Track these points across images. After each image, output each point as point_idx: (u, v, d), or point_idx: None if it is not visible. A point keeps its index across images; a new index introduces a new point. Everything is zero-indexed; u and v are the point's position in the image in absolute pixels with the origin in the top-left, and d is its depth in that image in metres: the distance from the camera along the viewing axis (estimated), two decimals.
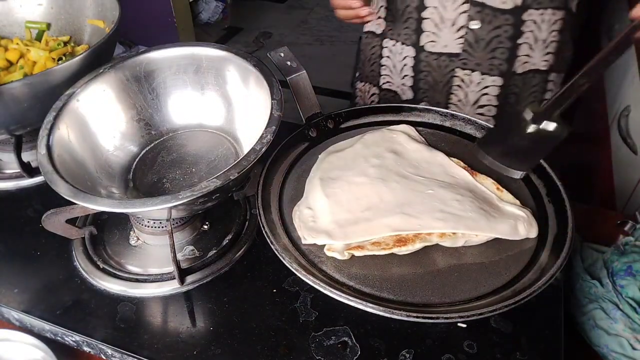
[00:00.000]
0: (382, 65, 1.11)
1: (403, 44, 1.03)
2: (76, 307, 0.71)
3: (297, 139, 0.83)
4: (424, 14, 0.96)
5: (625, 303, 0.70)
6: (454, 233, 0.68)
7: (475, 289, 0.64)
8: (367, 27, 1.12)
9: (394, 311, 0.58)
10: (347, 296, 0.60)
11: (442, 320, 0.59)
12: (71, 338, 0.69)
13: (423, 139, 0.85)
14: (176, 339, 0.66)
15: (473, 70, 0.99)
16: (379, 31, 1.08)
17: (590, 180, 1.50)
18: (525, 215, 0.70)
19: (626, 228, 0.84)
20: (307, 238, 0.69)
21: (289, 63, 0.85)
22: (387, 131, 0.85)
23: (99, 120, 0.80)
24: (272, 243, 0.66)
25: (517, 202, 0.74)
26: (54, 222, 0.71)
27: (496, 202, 0.73)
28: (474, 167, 0.79)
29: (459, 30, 0.95)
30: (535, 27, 0.94)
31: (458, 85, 1.02)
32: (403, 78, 1.07)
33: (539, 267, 0.65)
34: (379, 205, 0.71)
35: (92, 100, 0.79)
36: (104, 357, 0.68)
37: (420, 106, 0.89)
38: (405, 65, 1.05)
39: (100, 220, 0.82)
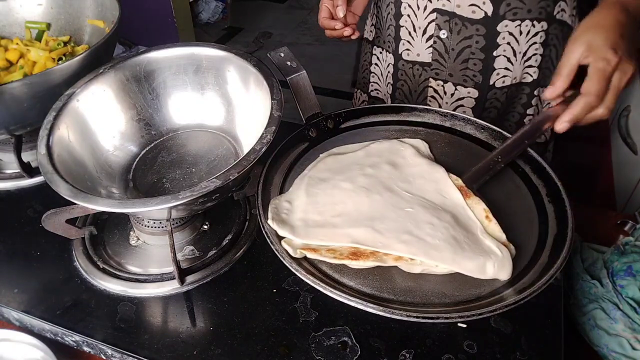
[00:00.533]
0: (372, 73, 1.12)
1: (386, 51, 1.04)
2: (76, 307, 0.71)
3: (297, 139, 0.83)
4: (400, 22, 0.97)
5: (625, 303, 0.70)
6: (411, 259, 0.65)
7: (475, 289, 0.64)
8: (365, 34, 1.13)
9: (394, 311, 0.58)
10: (347, 296, 0.60)
11: (442, 320, 0.59)
12: (71, 338, 0.69)
13: (431, 156, 0.82)
14: (176, 339, 0.66)
15: (445, 81, 0.98)
16: (370, 38, 1.09)
17: (590, 180, 1.50)
18: (500, 255, 0.64)
19: (626, 228, 0.84)
20: (272, 225, 0.68)
21: (289, 63, 0.85)
22: (397, 143, 0.82)
23: (99, 120, 0.80)
24: (272, 243, 0.66)
25: (503, 236, 0.68)
26: (54, 222, 0.71)
27: (477, 232, 0.68)
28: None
29: (429, 39, 0.95)
30: (512, 39, 0.91)
31: (432, 96, 1.01)
32: (387, 86, 1.08)
33: (539, 267, 0.65)
34: (351, 214, 0.69)
35: (92, 100, 0.79)
36: (104, 357, 0.68)
37: (420, 106, 0.89)
38: (388, 72, 1.06)
39: (100, 220, 0.82)
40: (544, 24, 0.91)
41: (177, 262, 0.70)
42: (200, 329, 0.68)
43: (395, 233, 0.66)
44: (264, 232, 0.68)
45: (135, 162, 0.83)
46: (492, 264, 0.64)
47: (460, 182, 0.75)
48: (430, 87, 1.00)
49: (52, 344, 0.70)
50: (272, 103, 0.72)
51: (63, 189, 0.63)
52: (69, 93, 0.77)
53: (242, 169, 0.64)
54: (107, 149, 0.81)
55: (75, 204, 0.63)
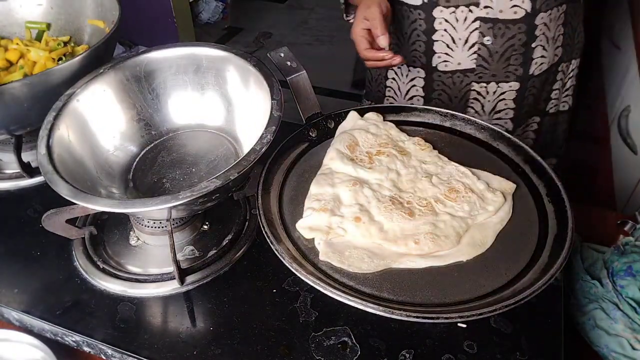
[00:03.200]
0: (387, 87, 1.11)
1: (410, 66, 1.04)
2: (76, 307, 0.71)
3: (297, 139, 0.83)
4: (434, 37, 0.97)
5: (625, 303, 0.70)
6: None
7: (475, 289, 0.64)
8: None
9: (394, 311, 0.58)
10: (347, 296, 0.60)
11: (442, 320, 0.59)
12: (71, 338, 0.69)
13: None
14: (176, 339, 0.66)
15: (489, 82, 1.00)
16: None
17: (590, 180, 1.50)
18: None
19: (626, 228, 0.84)
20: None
21: (289, 63, 0.85)
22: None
23: (99, 120, 0.80)
24: (272, 243, 0.66)
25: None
26: (54, 222, 0.71)
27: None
28: (474, 167, 0.79)
29: (471, 47, 0.96)
30: (546, 28, 0.95)
31: (475, 98, 1.03)
32: (410, 99, 1.08)
33: (539, 267, 0.65)
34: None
35: (92, 100, 0.79)
36: (104, 357, 0.68)
37: (420, 106, 0.89)
38: (413, 86, 1.06)
39: (100, 220, 0.82)
40: (564, 6, 0.97)
41: (177, 262, 0.70)
42: (200, 329, 0.68)
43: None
44: (264, 232, 0.68)
45: (135, 162, 0.83)
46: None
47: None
48: (473, 90, 1.02)
49: (52, 344, 0.70)
50: (272, 103, 0.72)
51: (63, 189, 0.63)
52: (69, 93, 0.77)
53: (242, 169, 0.64)
54: (107, 149, 0.81)
55: (75, 204, 0.63)
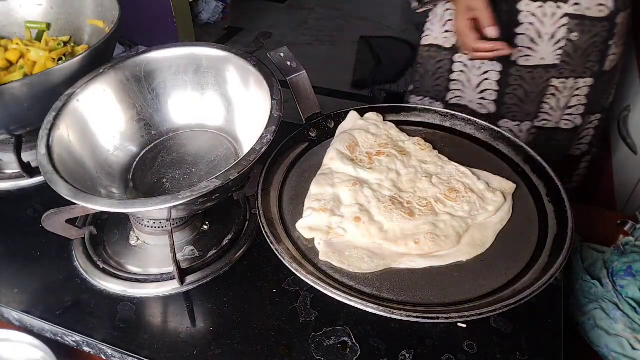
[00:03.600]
0: (452, 80, 1.10)
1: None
2: (76, 307, 0.71)
3: (297, 139, 0.83)
4: (518, 30, 0.97)
5: (625, 303, 0.70)
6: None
7: (475, 289, 0.64)
8: (428, 40, 1.11)
9: (394, 311, 0.58)
10: (347, 296, 0.60)
11: (442, 320, 0.59)
12: (71, 338, 0.69)
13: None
14: (176, 339, 0.66)
15: (568, 78, 1.01)
16: (447, 45, 1.08)
17: (590, 180, 1.50)
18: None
19: (626, 228, 0.84)
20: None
21: (289, 63, 0.85)
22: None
23: (99, 120, 0.80)
24: (272, 243, 0.66)
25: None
26: (54, 222, 0.71)
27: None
28: (474, 167, 0.79)
29: (557, 42, 0.97)
30: (622, 26, 0.98)
31: (552, 94, 1.03)
32: (481, 92, 1.07)
33: (539, 267, 0.65)
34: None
35: (92, 100, 0.79)
36: (104, 357, 0.68)
37: (420, 106, 0.89)
38: (485, 80, 1.05)
39: (100, 220, 0.82)
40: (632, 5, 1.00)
41: (177, 262, 0.70)
42: (200, 329, 0.68)
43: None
44: (264, 232, 0.68)
45: (135, 162, 0.83)
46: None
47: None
48: (552, 86, 1.02)
49: (52, 344, 0.70)
50: (272, 103, 0.72)
51: (63, 189, 0.63)
52: (69, 93, 0.77)
53: (242, 169, 0.64)
54: (107, 149, 0.81)
55: (75, 204, 0.63)
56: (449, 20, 1.05)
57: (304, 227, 0.70)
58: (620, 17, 0.97)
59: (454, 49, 1.07)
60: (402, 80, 2.67)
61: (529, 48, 0.99)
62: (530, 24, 0.96)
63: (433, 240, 0.68)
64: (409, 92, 1.24)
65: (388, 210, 0.71)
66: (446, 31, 1.07)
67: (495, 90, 1.06)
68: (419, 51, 1.15)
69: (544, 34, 0.97)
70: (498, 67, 1.03)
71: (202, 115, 0.87)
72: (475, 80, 1.07)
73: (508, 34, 0.98)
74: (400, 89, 2.62)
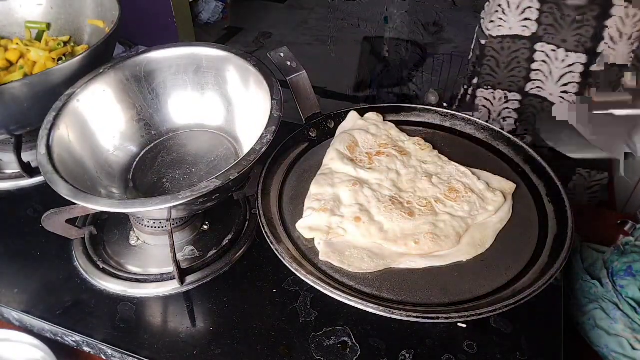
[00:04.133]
0: (533, 71, 1.08)
1: (569, 50, 1.01)
2: (76, 307, 0.71)
3: (297, 139, 0.83)
4: (608, 23, 0.96)
5: (625, 303, 0.70)
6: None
7: (475, 289, 0.64)
8: (502, 31, 1.10)
9: (394, 311, 0.58)
10: (347, 296, 0.60)
11: (442, 320, 0.59)
12: (71, 338, 0.69)
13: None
14: (176, 339, 0.66)
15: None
16: (527, 33, 1.06)
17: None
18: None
19: (626, 228, 0.84)
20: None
21: (289, 63, 0.85)
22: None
23: (99, 120, 0.80)
24: (272, 243, 0.66)
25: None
26: (54, 222, 0.71)
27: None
28: (474, 167, 0.79)
29: (633, 44, 0.96)
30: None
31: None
32: (564, 85, 1.05)
33: (539, 267, 0.65)
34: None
35: (92, 100, 0.79)
36: (104, 357, 0.68)
37: (420, 106, 0.89)
38: (569, 72, 1.03)
39: (100, 220, 0.82)
40: None
41: (177, 262, 0.70)
42: (200, 329, 0.67)
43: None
44: (264, 232, 0.68)
45: (135, 162, 0.83)
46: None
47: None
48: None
49: (52, 344, 0.70)
50: (272, 103, 0.72)
51: (63, 189, 0.63)
52: (69, 93, 0.77)
53: (242, 169, 0.64)
54: (107, 149, 0.81)
55: (75, 204, 0.63)
56: (528, 7, 1.03)
57: (304, 227, 0.70)
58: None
59: (535, 38, 1.05)
60: (416, 80, 2.64)
61: (609, 43, 0.97)
62: (620, 17, 0.95)
63: (433, 240, 0.68)
64: (475, 86, 1.21)
65: (388, 210, 0.71)
66: (525, 19, 1.04)
67: (577, 83, 1.04)
68: (488, 44, 1.12)
69: (624, 34, 0.95)
70: (584, 59, 1.01)
71: (202, 115, 0.87)
72: (556, 72, 1.05)
73: (597, 25, 0.96)
74: (412, 91, 2.59)
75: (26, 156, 0.90)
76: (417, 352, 0.63)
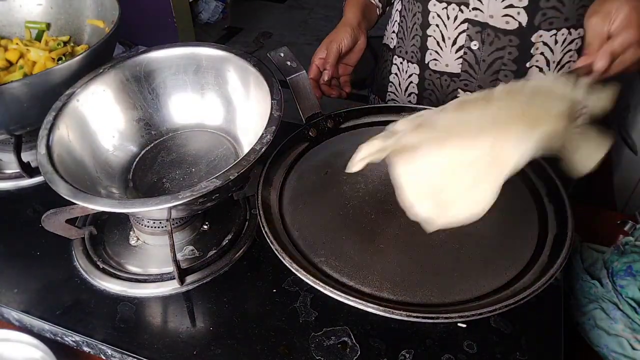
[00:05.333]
0: (390, 82, 1.09)
1: (409, 61, 1.02)
2: (76, 307, 0.71)
3: (297, 139, 0.83)
4: (428, 32, 0.94)
5: (625, 303, 0.70)
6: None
7: (475, 289, 0.64)
8: (384, 40, 1.11)
9: (394, 311, 0.58)
10: (347, 296, 0.60)
11: (442, 320, 0.59)
12: (71, 338, 0.69)
13: None
14: (176, 339, 0.66)
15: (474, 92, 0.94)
16: (391, 46, 1.07)
17: (591, 180, 1.50)
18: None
19: (626, 228, 0.84)
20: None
21: (289, 63, 0.85)
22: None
23: (98, 120, 0.80)
24: (272, 243, 0.66)
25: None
26: (54, 222, 0.71)
27: None
28: None
29: (458, 50, 0.92)
30: (546, 48, 0.88)
31: None
32: (408, 96, 1.06)
33: (539, 267, 0.65)
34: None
35: (92, 100, 0.79)
36: (103, 357, 0.68)
37: (420, 106, 0.89)
38: (410, 83, 1.04)
39: (100, 220, 0.82)
40: (581, 31, 0.87)
41: (177, 262, 0.70)
42: (200, 329, 0.68)
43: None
44: (263, 232, 0.68)
45: (135, 162, 0.83)
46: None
47: None
48: (459, 97, 0.96)
49: (52, 344, 0.70)
50: (272, 103, 0.72)
51: (63, 189, 0.63)
52: (68, 93, 0.77)
53: (242, 169, 0.64)
54: (107, 149, 0.81)
55: (75, 204, 0.63)
56: (396, 21, 1.03)
57: (355, 161, 0.64)
58: (538, 36, 0.86)
59: (394, 50, 1.06)
60: None
61: (436, 52, 0.95)
62: (437, 25, 0.92)
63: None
64: (370, 91, 1.23)
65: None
66: (393, 32, 1.05)
67: (416, 94, 1.04)
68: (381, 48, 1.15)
69: (446, 38, 0.92)
70: (417, 69, 1.00)
71: (202, 115, 0.87)
72: (403, 83, 1.05)
73: (422, 36, 0.95)
74: None
75: (26, 156, 0.90)
76: (417, 352, 0.63)
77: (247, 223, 0.81)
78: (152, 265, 0.75)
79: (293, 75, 0.84)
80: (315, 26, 3.51)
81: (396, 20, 1.03)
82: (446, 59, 0.95)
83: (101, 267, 0.75)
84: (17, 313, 0.71)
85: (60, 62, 0.96)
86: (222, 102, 0.86)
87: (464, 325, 0.65)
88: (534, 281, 0.61)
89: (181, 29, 2.82)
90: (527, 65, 0.90)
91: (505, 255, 0.68)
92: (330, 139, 0.85)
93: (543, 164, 0.76)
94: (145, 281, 0.73)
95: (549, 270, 0.62)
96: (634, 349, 0.68)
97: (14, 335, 0.73)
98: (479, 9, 0.87)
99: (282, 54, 0.86)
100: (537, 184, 0.76)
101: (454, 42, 0.92)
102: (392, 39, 1.06)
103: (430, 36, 0.95)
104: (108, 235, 0.80)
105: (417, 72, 1.01)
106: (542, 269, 0.64)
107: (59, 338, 0.70)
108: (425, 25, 0.94)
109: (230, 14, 3.52)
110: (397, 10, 1.03)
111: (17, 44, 1.00)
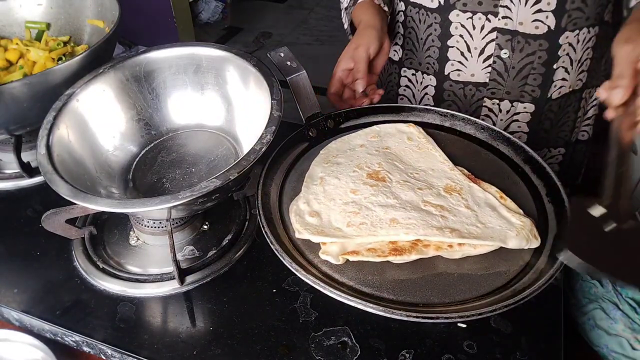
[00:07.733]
0: (400, 95, 1.08)
1: (424, 73, 1.00)
2: (76, 307, 0.71)
3: (297, 139, 0.83)
4: (449, 42, 0.93)
5: (625, 303, 0.70)
6: (450, 245, 0.67)
7: (476, 289, 0.64)
8: None
9: (394, 311, 0.58)
10: (347, 296, 0.60)
11: (442, 320, 0.59)
12: (71, 338, 0.69)
13: (428, 137, 0.84)
14: (176, 339, 0.66)
15: (502, 100, 0.95)
16: (396, 58, 1.05)
17: (591, 180, 1.50)
18: (529, 225, 0.69)
19: None
20: (303, 236, 0.68)
21: (289, 63, 0.85)
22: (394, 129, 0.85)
23: (98, 120, 0.80)
24: (272, 243, 0.66)
25: (520, 211, 0.71)
26: (54, 222, 0.71)
27: (502, 211, 0.71)
28: (477, 173, 0.79)
29: (487, 59, 0.91)
30: (571, 49, 0.90)
31: (486, 115, 0.98)
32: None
33: (539, 267, 0.65)
34: (377, 212, 0.70)
35: (92, 100, 0.79)
36: (103, 357, 0.68)
37: (420, 106, 0.89)
38: (425, 94, 1.02)
39: (100, 220, 0.82)
40: (597, 29, 0.89)
41: (177, 262, 0.70)
42: (200, 329, 0.68)
43: (427, 223, 0.68)
44: (264, 232, 0.68)
45: (135, 162, 0.83)
46: (526, 235, 0.67)
47: (465, 171, 0.78)
48: (485, 106, 0.97)
49: (52, 344, 0.70)
50: (272, 103, 0.72)
51: (63, 189, 0.63)
52: (68, 93, 0.77)
53: (242, 169, 0.64)
54: (107, 149, 0.81)
55: (75, 204, 0.63)
56: (399, 33, 1.01)
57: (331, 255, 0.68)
58: (565, 37, 0.87)
59: (401, 63, 1.03)
60: None
61: (459, 62, 0.93)
62: (460, 36, 0.91)
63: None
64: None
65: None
66: (395, 44, 1.03)
67: (433, 106, 0.99)
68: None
69: (472, 48, 0.91)
70: (434, 81, 0.99)
71: (202, 115, 0.87)
72: (418, 95, 1.04)
73: (442, 47, 0.93)
74: None
75: (26, 156, 0.90)
76: (417, 352, 0.63)
77: (247, 223, 0.81)
78: (152, 265, 0.75)
79: (293, 75, 0.84)
80: (316, 26, 3.51)
81: (399, 33, 1.01)
82: (472, 69, 0.94)
83: (101, 267, 0.75)
84: (17, 313, 0.71)
85: (60, 62, 0.96)
86: (222, 102, 0.86)
87: (464, 325, 0.65)
88: (534, 281, 0.61)
89: (181, 29, 2.82)
90: (555, 67, 0.91)
91: (505, 255, 0.68)
92: (330, 139, 0.85)
93: (543, 164, 0.76)
94: (145, 281, 0.73)
95: (549, 270, 0.62)
96: (634, 349, 0.68)
97: (14, 335, 0.73)
98: (508, 17, 0.86)
99: (282, 54, 0.86)
100: (537, 184, 0.76)
101: (482, 52, 0.91)
102: (395, 51, 1.04)
103: (452, 47, 0.93)
104: (108, 235, 0.80)
105: (434, 84, 1.00)
106: (542, 269, 0.64)
107: (59, 338, 0.70)
108: (446, 36, 0.92)
109: (230, 14, 3.52)
110: (398, 22, 1.01)
111: (17, 44, 1.00)
